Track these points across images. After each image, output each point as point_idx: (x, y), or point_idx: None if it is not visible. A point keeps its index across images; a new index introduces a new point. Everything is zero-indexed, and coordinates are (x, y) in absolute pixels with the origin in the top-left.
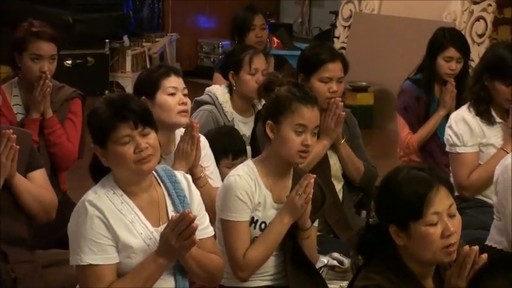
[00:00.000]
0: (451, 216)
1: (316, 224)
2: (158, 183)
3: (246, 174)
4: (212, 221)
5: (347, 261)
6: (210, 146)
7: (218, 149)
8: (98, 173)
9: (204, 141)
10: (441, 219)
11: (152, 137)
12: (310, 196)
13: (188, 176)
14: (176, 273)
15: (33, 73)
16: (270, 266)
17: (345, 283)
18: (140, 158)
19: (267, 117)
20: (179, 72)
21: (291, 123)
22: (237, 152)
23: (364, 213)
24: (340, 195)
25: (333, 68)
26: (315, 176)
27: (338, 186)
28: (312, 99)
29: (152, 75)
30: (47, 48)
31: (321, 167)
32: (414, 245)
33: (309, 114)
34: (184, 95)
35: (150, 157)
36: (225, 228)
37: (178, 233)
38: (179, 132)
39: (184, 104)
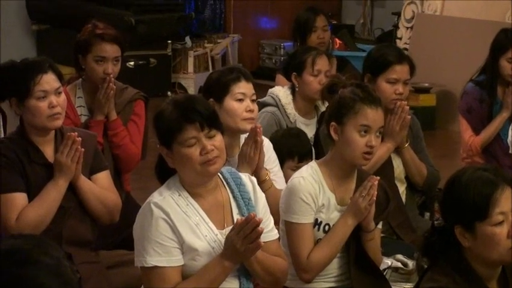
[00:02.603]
0: None
1: (380, 226)
2: (224, 185)
3: (309, 176)
4: (276, 223)
5: (410, 263)
6: (276, 147)
7: (284, 151)
8: (163, 174)
9: (267, 144)
10: (507, 219)
11: (218, 139)
12: (374, 198)
13: (254, 179)
14: (240, 275)
15: (97, 75)
16: (334, 267)
17: (409, 285)
18: (206, 160)
19: (331, 118)
20: (250, 77)
21: (355, 124)
22: (303, 154)
23: (427, 215)
24: (403, 198)
25: (400, 70)
26: (378, 178)
27: (401, 188)
28: (375, 100)
29: (223, 79)
30: (111, 50)
31: (385, 170)
32: (480, 245)
33: (372, 115)
34: (253, 100)
35: (216, 159)
36: (288, 230)
37: (243, 236)
38: (245, 134)
39: (251, 111)
